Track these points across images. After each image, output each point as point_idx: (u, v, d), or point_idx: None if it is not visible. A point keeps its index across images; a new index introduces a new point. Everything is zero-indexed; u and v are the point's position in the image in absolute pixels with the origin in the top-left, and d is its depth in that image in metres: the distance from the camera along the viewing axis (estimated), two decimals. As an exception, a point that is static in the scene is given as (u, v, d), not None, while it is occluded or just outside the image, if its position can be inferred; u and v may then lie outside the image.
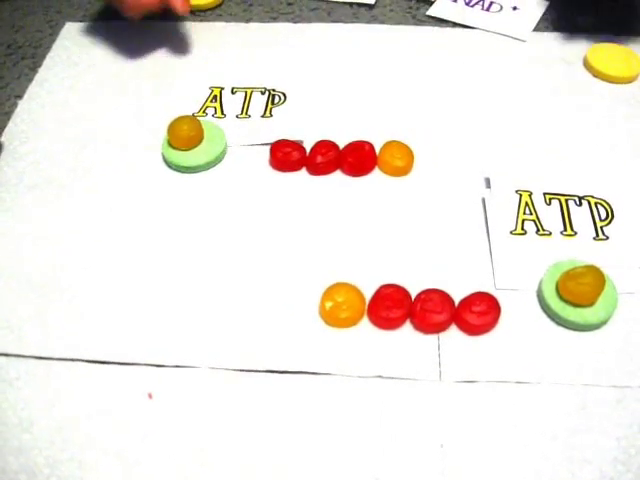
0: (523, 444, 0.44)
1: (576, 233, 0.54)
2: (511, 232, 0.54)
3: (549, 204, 0.55)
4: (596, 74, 0.65)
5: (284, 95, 0.64)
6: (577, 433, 0.45)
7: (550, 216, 0.55)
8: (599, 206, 0.55)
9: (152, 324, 0.50)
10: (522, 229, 0.54)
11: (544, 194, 0.56)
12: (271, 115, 0.62)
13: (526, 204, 0.55)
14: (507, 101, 0.64)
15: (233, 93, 0.65)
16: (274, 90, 0.65)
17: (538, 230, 0.54)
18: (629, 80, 0.65)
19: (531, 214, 0.55)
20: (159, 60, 0.69)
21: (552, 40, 0.70)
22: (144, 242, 0.54)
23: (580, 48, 0.68)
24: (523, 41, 0.70)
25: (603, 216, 0.55)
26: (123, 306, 0.51)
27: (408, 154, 0.58)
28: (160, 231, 0.55)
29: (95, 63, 0.69)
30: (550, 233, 0.54)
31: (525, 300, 0.50)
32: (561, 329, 0.49)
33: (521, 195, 0.56)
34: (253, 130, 0.62)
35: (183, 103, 0.64)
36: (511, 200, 0.56)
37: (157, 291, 0.52)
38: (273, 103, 0.63)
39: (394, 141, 0.59)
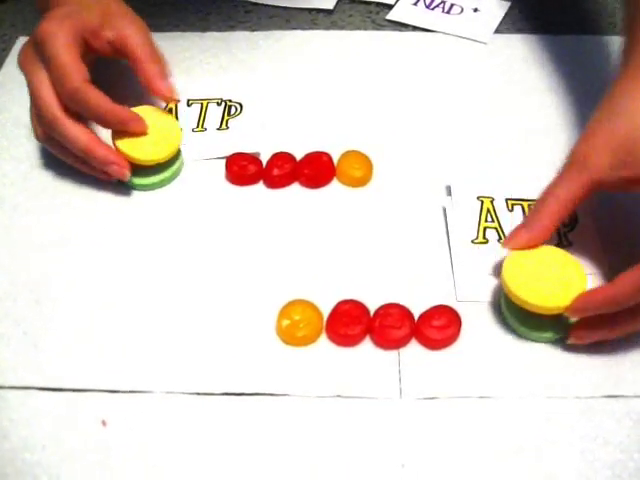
0: (487, 461, 0.43)
1: None
2: (472, 241, 0.53)
3: (511, 210, 0.54)
4: None
5: (240, 105, 0.63)
6: (541, 447, 0.44)
7: (512, 223, 0.53)
8: (562, 211, 0.54)
9: (105, 349, 0.49)
10: (484, 237, 0.53)
11: (506, 200, 0.55)
12: (227, 127, 0.61)
13: (488, 211, 0.54)
14: (468, 105, 0.63)
15: (189, 105, 0.63)
16: (230, 101, 0.63)
17: (500, 238, 0.53)
18: None
19: (493, 221, 0.54)
20: (114, 74, 0.67)
21: (513, 42, 0.69)
22: (98, 264, 0.53)
23: (542, 49, 0.68)
24: (484, 43, 0.69)
25: (566, 221, 0.54)
26: (75, 331, 0.49)
27: (366, 164, 0.57)
28: (114, 251, 0.54)
29: (49, 78, 0.67)
30: None
31: (486, 312, 0.50)
32: (523, 341, 0.48)
33: (482, 202, 0.55)
34: (209, 144, 0.60)
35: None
36: (472, 207, 0.55)
37: (108, 315, 0.50)
38: (229, 114, 0.62)
39: (352, 151, 0.58)
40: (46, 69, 0.53)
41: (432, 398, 0.46)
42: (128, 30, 0.56)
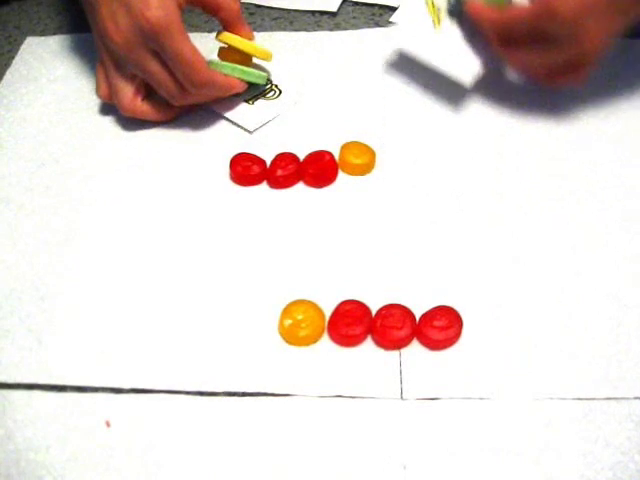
0: (487, 462, 0.43)
1: None
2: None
3: None
4: None
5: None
6: (542, 449, 0.44)
7: None
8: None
9: (109, 347, 0.49)
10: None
11: None
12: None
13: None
14: (472, 103, 0.63)
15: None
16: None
17: None
18: None
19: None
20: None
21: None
22: (102, 262, 0.53)
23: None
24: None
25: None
26: (79, 329, 0.50)
27: (368, 151, 0.58)
28: (118, 250, 0.54)
29: (56, 78, 0.68)
30: None
31: (488, 312, 0.50)
32: (524, 343, 0.48)
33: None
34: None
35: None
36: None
37: (113, 313, 0.51)
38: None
39: (352, 142, 0.59)
40: (161, 58, 0.56)
41: (433, 399, 0.46)
42: None
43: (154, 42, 0.54)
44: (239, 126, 0.62)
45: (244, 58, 0.62)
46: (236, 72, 0.60)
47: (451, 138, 0.61)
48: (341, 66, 0.67)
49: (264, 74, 0.63)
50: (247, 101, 0.64)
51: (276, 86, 0.65)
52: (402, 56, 0.67)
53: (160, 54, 0.55)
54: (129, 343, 0.49)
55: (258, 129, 0.62)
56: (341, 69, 0.67)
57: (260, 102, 0.64)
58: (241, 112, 0.63)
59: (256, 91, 0.64)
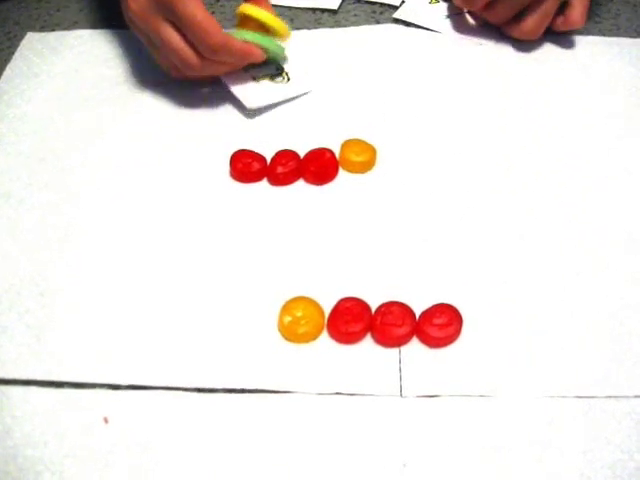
0: (488, 460, 0.43)
1: None
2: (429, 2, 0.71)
3: None
4: None
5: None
6: (542, 447, 0.44)
7: None
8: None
9: (108, 343, 0.49)
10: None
11: None
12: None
13: None
14: (473, 102, 0.64)
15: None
16: None
17: None
18: None
19: None
20: (120, 70, 0.67)
21: (517, 43, 0.69)
22: (102, 258, 0.53)
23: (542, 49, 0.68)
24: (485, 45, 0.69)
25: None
26: (78, 325, 0.50)
27: (369, 149, 0.58)
28: (118, 246, 0.54)
29: (56, 74, 0.68)
30: None
31: (488, 310, 0.49)
32: (525, 340, 0.48)
33: None
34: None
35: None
36: None
37: (112, 310, 0.50)
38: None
39: (353, 139, 0.59)
40: (176, 26, 0.57)
41: (433, 396, 0.46)
42: None
43: (168, 10, 0.56)
44: (239, 102, 0.62)
45: (262, 31, 0.62)
46: (256, 39, 0.61)
47: (452, 136, 0.61)
48: (342, 64, 0.67)
49: (282, 46, 0.63)
50: (254, 78, 0.63)
51: (286, 73, 0.65)
52: (403, 54, 0.67)
53: (175, 22, 0.56)
54: (128, 339, 0.49)
55: (257, 113, 0.62)
56: (342, 67, 0.67)
57: (266, 82, 0.64)
58: (245, 88, 0.63)
59: (267, 70, 0.64)
